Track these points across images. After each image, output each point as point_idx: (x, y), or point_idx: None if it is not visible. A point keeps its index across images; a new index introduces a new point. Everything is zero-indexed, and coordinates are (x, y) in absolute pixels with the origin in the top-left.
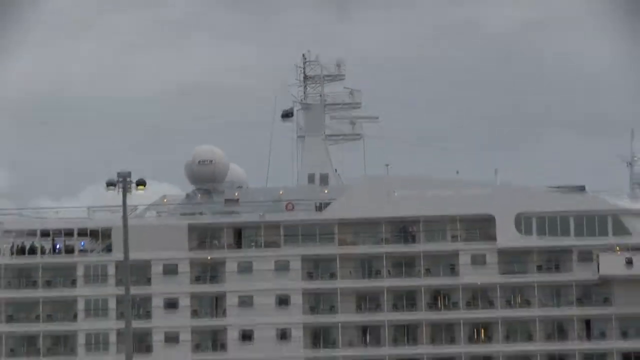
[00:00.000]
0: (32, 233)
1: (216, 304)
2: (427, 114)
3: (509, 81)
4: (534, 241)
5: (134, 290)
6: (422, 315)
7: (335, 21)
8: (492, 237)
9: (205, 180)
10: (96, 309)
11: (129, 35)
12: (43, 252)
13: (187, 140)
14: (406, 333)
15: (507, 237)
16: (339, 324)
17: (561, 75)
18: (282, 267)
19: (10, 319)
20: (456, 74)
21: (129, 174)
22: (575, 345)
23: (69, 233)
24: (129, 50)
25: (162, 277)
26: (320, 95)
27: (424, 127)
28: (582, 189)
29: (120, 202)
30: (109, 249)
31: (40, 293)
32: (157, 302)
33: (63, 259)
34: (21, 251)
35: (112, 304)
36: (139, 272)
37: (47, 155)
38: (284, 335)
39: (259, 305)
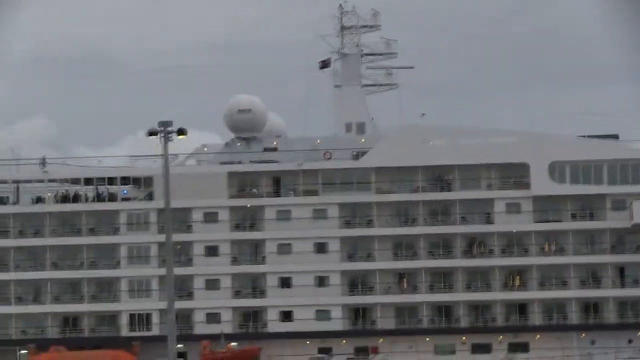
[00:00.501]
0: (75, 181)
1: (255, 250)
2: (460, 63)
3: (536, 34)
4: (568, 189)
5: (175, 237)
6: (458, 262)
7: None
8: (527, 185)
9: (244, 129)
10: (138, 255)
11: None
12: (86, 199)
13: (226, 90)
14: (442, 279)
15: (541, 184)
16: (376, 271)
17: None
18: (320, 214)
19: (54, 265)
20: (486, 26)
21: (170, 123)
22: (609, 292)
23: (111, 181)
24: (164, 6)
25: (203, 224)
26: (357, 45)
27: (457, 77)
28: (615, 137)
29: (162, 151)
30: (150, 197)
31: (83, 240)
32: (198, 249)
33: (106, 206)
34: (65, 199)
35: (153, 251)
36: (180, 219)
37: (88, 106)
38: (322, 282)
39: (297, 253)
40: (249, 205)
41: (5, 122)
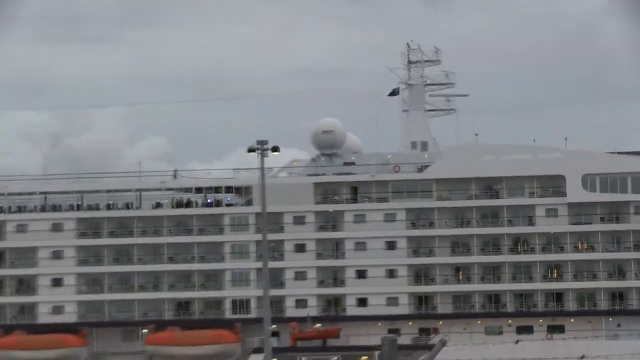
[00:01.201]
0: (188, 190)
1: (336, 247)
2: (509, 89)
3: (580, 58)
4: (598, 197)
5: (270, 236)
6: (505, 257)
7: (433, 12)
8: (563, 194)
9: (327, 146)
10: (239, 251)
11: (266, 20)
12: (197, 205)
13: (312, 113)
14: (492, 272)
15: (576, 193)
16: (437, 265)
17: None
18: (390, 217)
19: (170, 259)
20: (533, 55)
21: (266, 142)
22: (632, 283)
23: (217, 190)
24: (267, 33)
25: (292, 225)
26: (421, 77)
27: (507, 101)
28: (638, 153)
29: (259, 165)
30: (249, 203)
31: (194, 239)
32: (289, 246)
33: (213, 210)
34: (179, 204)
35: (252, 248)
36: (274, 221)
37: (198, 126)
38: (391, 273)
39: (371, 249)
40: (331, 210)
41: (131, 140)
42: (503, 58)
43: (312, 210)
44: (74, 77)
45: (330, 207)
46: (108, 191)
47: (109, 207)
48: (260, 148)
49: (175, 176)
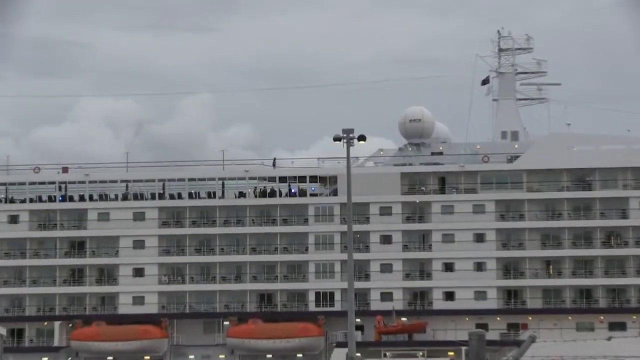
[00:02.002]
0: (271, 179)
1: (423, 239)
2: (604, 78)
3: None
4: None
5: (356, 227)
6: (597, 251)
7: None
8: None
9: (415, 135)
10: (324, 242)
11: (348, 8)
12: (281, 194)
13: (399, 100)
14: (583, 266)
15: None
16: (526, 258)
17: None
18: (478, 209)
19: (253, 250)
20: (628, 43)
21: (352, 130)
22: None
23: (302, 179)
24: (349, 22)
25: (379, 216)
26: (512, 65)
27: (601, 91)
28: None
29: (345, 154)
30: (334, 193)
31: (278, 229)
32: (374, 237)
33: (297, 200)
34: (263, 194)
35: (337, 239)
36: (360, 212)
37: (285, 115)
38: (480, 267)
39: (459, 242)
40: (418, 201)
41: (218, 127)
42: (595, 45)
43: (398, 201)
44: (159, 65)
45: (418, 198)
46: (191, 180)
47: (191, 196)
48: (346, 137)
49: (274, 165)
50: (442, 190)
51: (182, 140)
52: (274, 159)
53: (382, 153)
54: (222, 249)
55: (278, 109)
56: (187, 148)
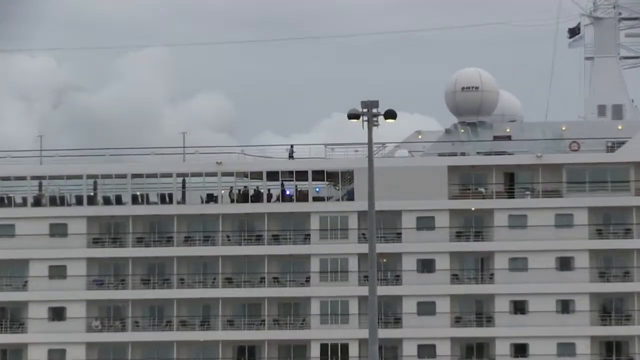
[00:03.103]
0: (256, 175)
1: (481, 265)
2: None
3: None
4: None
5: (381, 248)
6: None
7: None
8: None
9: (469, 111)
10: (334, 270)
11: None
12: (270, 198)
13: (445, 60)
14: None
15: None
16: (634, 294)
17: None
18: (564, 221)
19: (228, 282)
20: None
21: (375, 104)
22: None
23: (301, 176)
24: None
25: (416, 231)
26: (614, 7)
27: None
28: None
29: (365, 139)
30: (350, 196)
31: (266, 249)
32: (409, 263)
33: (294, 207)
34: (243, 197)
35: (353, 264)
36: (387, 224)
37: (272, 78)
38: (565, 307)
39: (534, 269)
40: (473, 209)
41: (178, 97)
42: None
43: (445, 208)
44: (100, 11)
45: (473, 204)
46: (136, 176)
47: (136, 200)
48: (368, 113)
49: (291, 156)
50: (509, 193)
51: (123, 116)
52: (291, 147)
53: (420, 137)
54: (181, 279)
55: (264, 72)
56: (130, 128)
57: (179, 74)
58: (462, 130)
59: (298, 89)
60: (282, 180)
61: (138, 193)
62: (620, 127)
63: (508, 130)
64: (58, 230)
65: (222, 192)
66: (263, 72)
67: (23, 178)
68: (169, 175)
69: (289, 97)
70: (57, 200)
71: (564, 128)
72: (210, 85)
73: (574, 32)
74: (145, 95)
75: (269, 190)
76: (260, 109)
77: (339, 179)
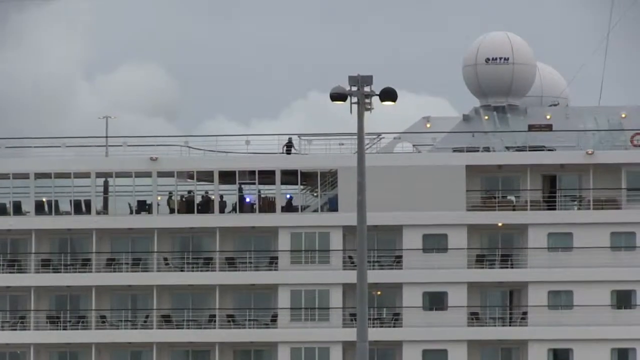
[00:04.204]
0: (205, 176)
1: (510, 301)
2: None
3: None
4: None
5: (374, 277)
6: None
7: None
8: None
9: (496, 91)
10: (309, 306)
11: None
12: (223, 208)
13: (461, 22)
14: None
15: None
16: None
17: None
18: (623, 241)
19: (164, 321)
20: None
21: (368, 80)
22: None
23: (266, 177)
24: None
25: (422, 254)
26: None
27: None
28: None
29: (353, 128)
30: (332, 206)
31: (217, 278)
32: (412, 297)
33: (256, 221)
34: (187, 206)
35: (335, 300)
36: (384, 244)
37: (228, 55)
38: (624, 358)
39: (582, 307)
40: (500, 224)
41: (97, 68)
42: None
43: (462, 222)
44: None
45: (500, 218)
46: (40, 176)
47: (40, 209)
48: (358, 93)
49: (289, 150)
50: (549, 203)
51: (22, 96)
52: (289, 140)
53: (428, 126)
54: (102, 317)
55: (217, 36)
56: (32, 112)
57: (101, 38)
58: (486, 117)
59: (262, 60)
60: (241, 184)
61: (44, 199)
62: None
63: (548, 117)
64: None
65: (159, 198)
66: (215, 37)
67: None
68: (86, 175)
69: (249, 70)
70: None
71: (623, 115)
72: (143, 53)
73: None
74: (54, 66)
75: (221, 196)
76: (210, 86)
77: (318, 182)
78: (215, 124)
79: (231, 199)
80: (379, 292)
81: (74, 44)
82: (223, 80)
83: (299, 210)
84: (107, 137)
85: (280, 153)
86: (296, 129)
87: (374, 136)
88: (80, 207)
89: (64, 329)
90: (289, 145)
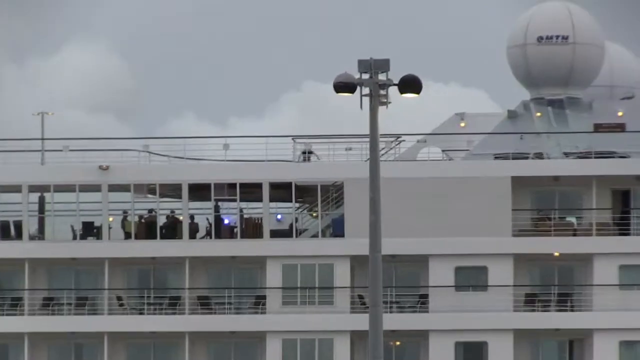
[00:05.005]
0: (171, 190)
1: (570, 354)
2: None
3: None
4: None
5: (391, 322)
6: None
7: None
8: None
9: (552, 80)
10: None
11: None
12: (195, 232)
13: None
14: None
15: None
16: None
17: None
18: None
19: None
20: None
21: (384, 65)
22: None
23: (251, 193)
24: None
25: (454, 293)
26: None
27: None
28: None
29: (364, 128)
30: (337, 230)
31: (187, 324)
32: (441, 348)
33: (239, 249)
34: (147, 230)
35: (340, 353)
36: (405, 280)
37: (200, 36)
38: None
39: None
40: (557, 254)
41: (36, 50)
42: None
43: (506, 251)
44: None
45: (557, 246)
46: None
47: None
48: (370, 82)
49: (307, 157)
50: (622, 226)
51: None
52: (307, 150)
53: (462, 125)
54: None
55: (184, 10)
56: None
57: (35, 11)
58: (538, 114)
59: (243, 41)
60: (217, 200)
61: None
62: None
63: (620, 114)
64: None
65: (110, 219)
66: (182, 12)
67: None
68: (16, 189)
69: (226, 55)
70: None
71: None
72: (89, 31)
73: None
74: None
75: (192, 217)
76: (175, 75)
77: (318, 199)
78: (182, 123)
79: (205, 220)
80: (397, 343)
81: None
82: (192, 68)
83: (294, 235)
84: (43, 139)
85: (269, 161)
86: (289, 129)
87: (392, 139)
88: (9, 231)
89: None
90: (308, 153)
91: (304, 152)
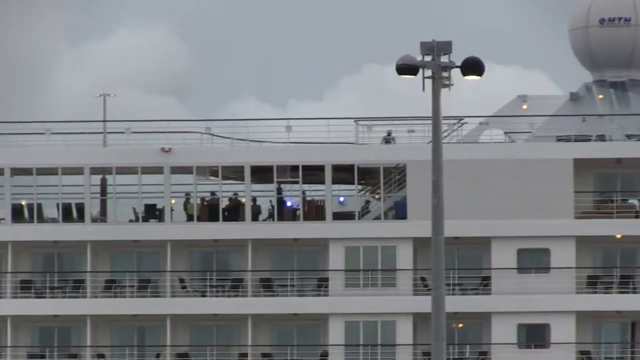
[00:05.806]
0: (233, 173)
1: (632, 335)
2: None
3: None
4: None
5: (454, 304)
6: None
7: None
8: None
9: (615, 62)
10: (369, 342)
11: None
12: (257, 214)
13: None
14: None
15: None
16: None
17: None
18: None
19: None
20: None
21: (446, 47)
22: None
23: (313, 175)
24: None
25: (516, 275)
26: None
27: None
28: None
29: (426, 110)
30: (400, 213)
31: (249, 306)
32: (504, 330)
33: (301, 231)
34: (210, 212)
35: (403, 334)
36: (467, 262)
37: (259, 19)
38: None
39: None
40: (619, 236)
41: (87, 34)
42: None
43: (569, 233)
44: None
45: (620, 228)
46: (18, 174)
47: (19, 215)
48: (433, 64)
49: (389, 140)
50: None
51: None
52: (389, 133)
53: (525, 108)
54: (98, 356)
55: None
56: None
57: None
58: (601, 96)
59: (304, 24)
60: (279, 183)
61: (23, 202)
62: None
63: None
64: None
65: (173, 202)
66: None
67: None
68: (78, 171)
69: (285, 39)
70: None
71: None
72: (148, 15)
73: None
74: (30, 31)
75: (254, 199)
76: (235, 58)
77: (380, 181)
78: (241, 105)
79: (267, 202)
80: (460, 325)
81: (57, 4)
82: (252, 52)
83: (356, 217)
84: (105, 121)
85: (331, 143)
86: (349, 112)
87: (454, 121)
88: (71, 213)
89: None
90: (389, 136)
91: (388, 134)
